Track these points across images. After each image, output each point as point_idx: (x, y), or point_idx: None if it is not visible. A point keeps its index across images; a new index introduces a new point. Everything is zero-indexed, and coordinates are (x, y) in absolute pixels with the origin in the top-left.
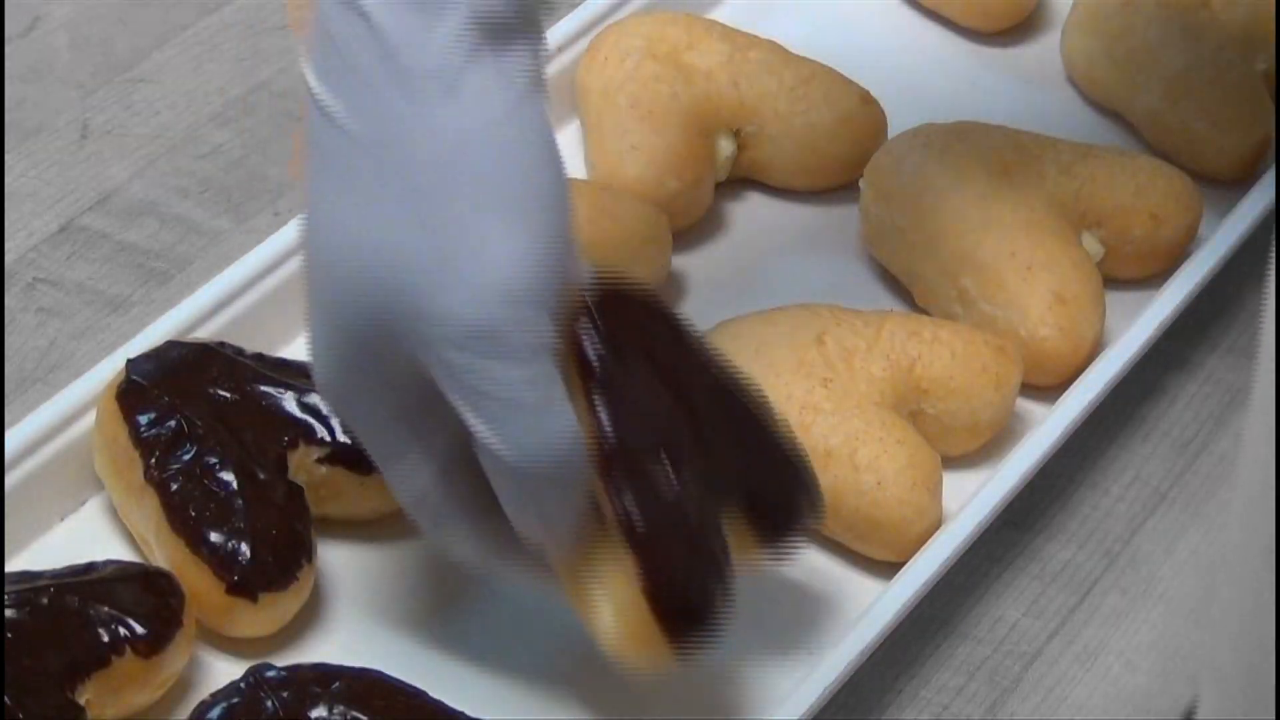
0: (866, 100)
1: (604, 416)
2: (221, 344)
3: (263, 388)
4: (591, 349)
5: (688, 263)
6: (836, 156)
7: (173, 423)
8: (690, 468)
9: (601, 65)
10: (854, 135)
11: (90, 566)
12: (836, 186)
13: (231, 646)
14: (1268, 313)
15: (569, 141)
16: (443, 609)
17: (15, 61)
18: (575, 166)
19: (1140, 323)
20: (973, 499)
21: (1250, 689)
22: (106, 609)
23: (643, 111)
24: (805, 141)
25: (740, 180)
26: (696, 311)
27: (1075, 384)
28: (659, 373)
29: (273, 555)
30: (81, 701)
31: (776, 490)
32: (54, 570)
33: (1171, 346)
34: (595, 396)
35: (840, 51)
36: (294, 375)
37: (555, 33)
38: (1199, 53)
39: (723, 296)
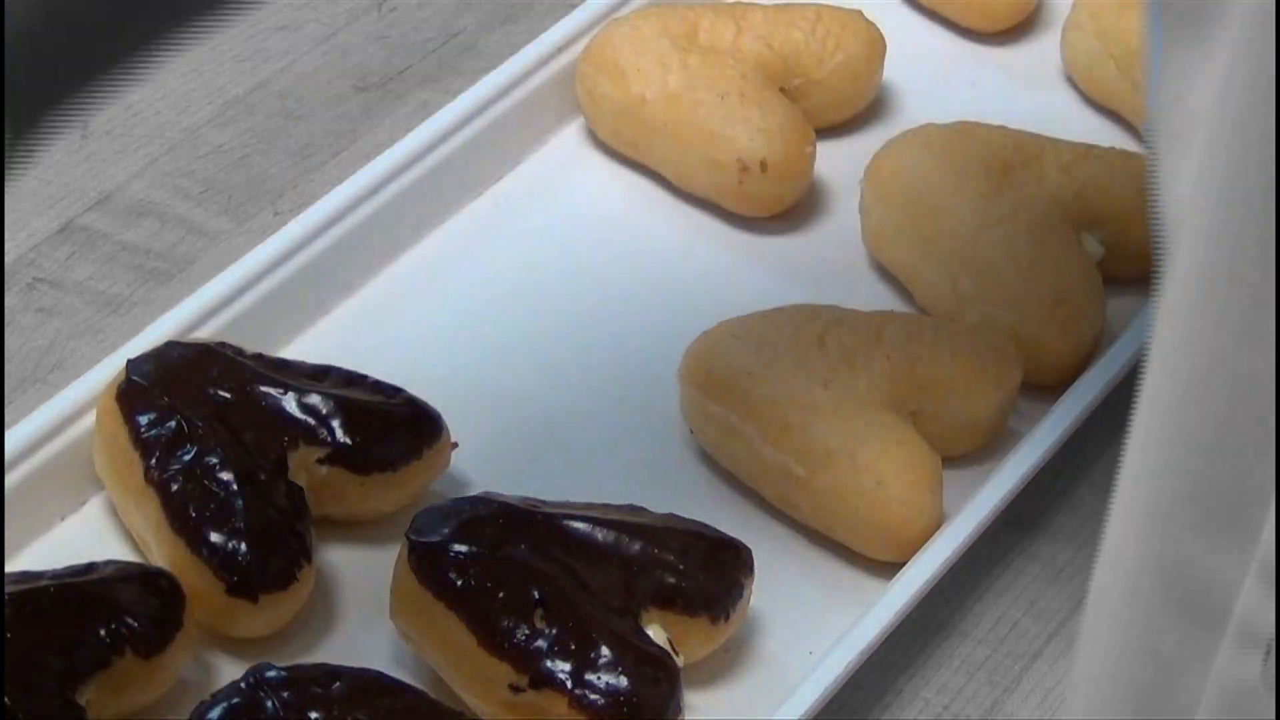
0: (871, 28)
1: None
2: (221, 344)
3: (263, 388)
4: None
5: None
6: (875, 80)
7: (173, 423)
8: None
9: (644, 77)
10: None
11: (90, 566)
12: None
13: (231, 646)
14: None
15: (573, 138)
16: None
17: None
18: (586, 159)
19: (1140, 322)
20: (973, 499)
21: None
22: (106, 609)
23: (735, 96)
24: (846, 75)
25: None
26: (697, 311)
27: (1075, 384)
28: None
29: (273, 555)
30: (81, 702)
31: (689, 575)
32: (54, 570)
33: None
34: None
35: None
36: (294, 375)
37: (555, 33)
38: None
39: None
